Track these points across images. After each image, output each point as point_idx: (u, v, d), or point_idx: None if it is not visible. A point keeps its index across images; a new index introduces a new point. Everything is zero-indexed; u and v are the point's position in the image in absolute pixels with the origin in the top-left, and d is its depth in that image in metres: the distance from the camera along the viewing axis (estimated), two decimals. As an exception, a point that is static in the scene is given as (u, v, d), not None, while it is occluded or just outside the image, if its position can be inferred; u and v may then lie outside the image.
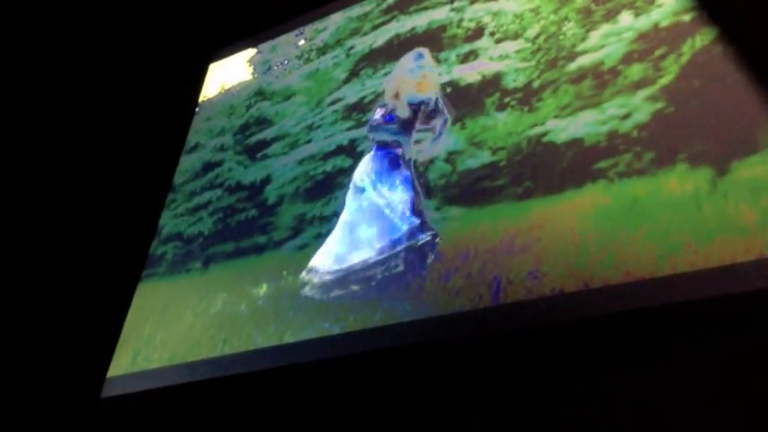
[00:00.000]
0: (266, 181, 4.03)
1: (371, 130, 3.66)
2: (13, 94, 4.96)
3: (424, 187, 3.27)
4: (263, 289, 3.44)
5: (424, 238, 3.06)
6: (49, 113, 5.02)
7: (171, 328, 3.59)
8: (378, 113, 3.70)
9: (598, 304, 2.49)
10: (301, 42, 4.76)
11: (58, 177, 4.73)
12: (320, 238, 3.47)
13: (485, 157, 3.20)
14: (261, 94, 4.68)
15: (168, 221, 4.29)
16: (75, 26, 5.24)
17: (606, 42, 3.18)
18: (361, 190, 3.45)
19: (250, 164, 4.24)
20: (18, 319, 4.01)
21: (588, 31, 3.28)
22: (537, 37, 3.45)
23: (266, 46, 5.03)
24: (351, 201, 3.48)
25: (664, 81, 2.89)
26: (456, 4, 3.97)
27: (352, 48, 4.35)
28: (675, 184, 2.59)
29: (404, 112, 3.58)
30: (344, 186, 3.59)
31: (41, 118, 5.00)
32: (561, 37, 3.36)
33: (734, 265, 2.30)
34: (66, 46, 5.22)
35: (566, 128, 3.03)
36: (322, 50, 4.55)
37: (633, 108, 2.89)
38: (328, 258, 3.31)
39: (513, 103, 3.30)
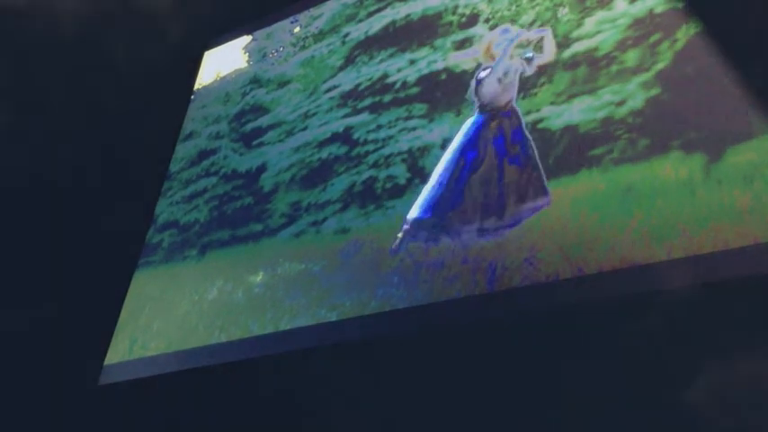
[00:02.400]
0: (262, 168, 4.03)
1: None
2: (7, 85, 4.94)
3: (419, 174, 3.28)
4: (260, 276, 3.44)
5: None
6: (43, 102, 5.01)
7: (167, 315, 3.60)
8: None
9: (593, 290, 2.50)
10: (297, 29, 4.75)
11: (55, 166, 4.72)
12: (315, 225, 3.47)
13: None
14: (256, 81, 4.67)
15: (164, 209, 4.29)
16: (68, 15, 5.22)
17: (601, 29, 3.18)
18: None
19: (246, 151, 4.23)
20: (17, 308, 4.02)
21: (583, 17, 3.28)
22: (532, 24, 3.45)
23: (261, 33, 5.02)
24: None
25: (659, 67, 2.90)
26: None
27: (347, 35, 4.33)
28: (670, 170, 2.60)
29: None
30: (340, 174, 3.59)
31: (36, 106, 4.99)
32: (556, 23, 3.36)
33: (728, 250, 2.31)
34: (58, 35, 5.19)
35: (561, 114, 3.03)
36: (317, 37, 4.54)
37: (628, 94, 2.89)
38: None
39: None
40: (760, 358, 2.21)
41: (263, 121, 4.31)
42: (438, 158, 3.28)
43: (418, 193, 3.21)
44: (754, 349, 2.23)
